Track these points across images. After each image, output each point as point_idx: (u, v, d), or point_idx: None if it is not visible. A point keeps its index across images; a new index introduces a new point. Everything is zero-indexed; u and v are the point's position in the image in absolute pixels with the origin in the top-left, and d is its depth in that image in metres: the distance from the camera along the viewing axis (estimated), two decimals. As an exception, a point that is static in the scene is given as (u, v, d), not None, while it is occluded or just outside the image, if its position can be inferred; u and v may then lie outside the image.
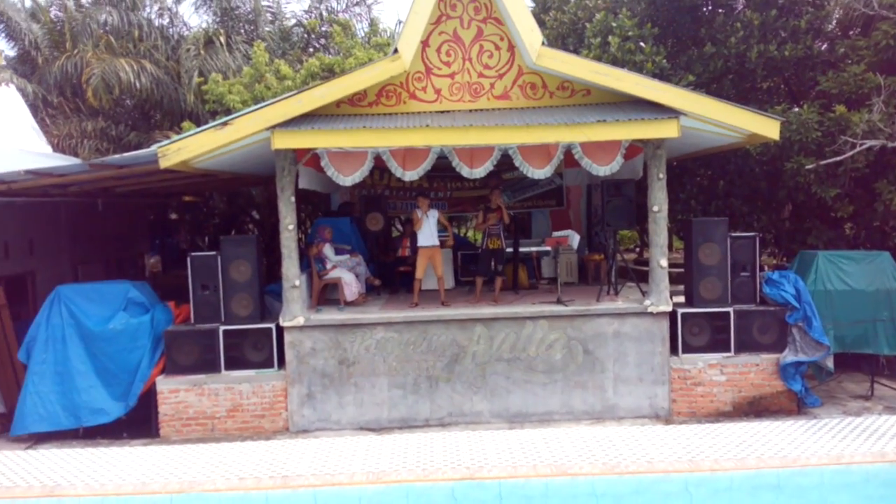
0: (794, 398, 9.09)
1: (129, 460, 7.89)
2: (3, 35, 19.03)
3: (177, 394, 8.93)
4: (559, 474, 7.02)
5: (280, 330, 9.06)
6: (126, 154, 9.49)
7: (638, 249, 22.72)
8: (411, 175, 8.89)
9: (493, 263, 10.04)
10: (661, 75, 11.77)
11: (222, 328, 9.10)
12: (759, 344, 9.20)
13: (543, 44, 8.96)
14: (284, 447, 8.22)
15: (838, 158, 10.37)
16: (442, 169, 10.38)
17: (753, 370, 9.12)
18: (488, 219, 10.05)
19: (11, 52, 19.33)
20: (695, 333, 9.24)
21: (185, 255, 9.54)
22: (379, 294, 11.12)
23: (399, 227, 18.37)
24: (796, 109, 11.16)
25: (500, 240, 10.08)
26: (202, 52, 17.52)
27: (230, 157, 9.39)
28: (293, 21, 20.23)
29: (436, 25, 9.29)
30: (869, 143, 10.08)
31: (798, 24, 11.87)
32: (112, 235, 15.77)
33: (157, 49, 18.24)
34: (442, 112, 9.37)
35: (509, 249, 11.41)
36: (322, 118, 9.01)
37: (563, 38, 15.12)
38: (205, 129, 8.62)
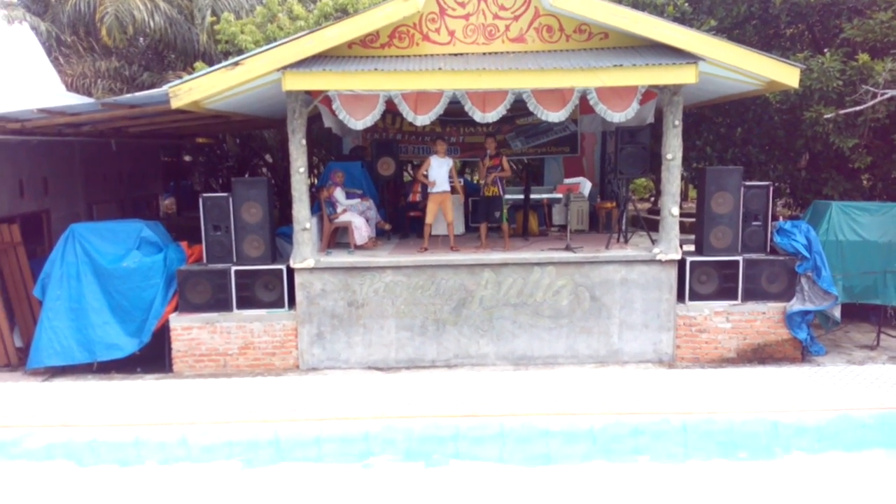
0: (799, 346, 9.13)
1: (143, 393, 8.13)
2: (15, -28, 18.82)
3: (189, 331, 9.11)
4: (558, 413, 7.15)
5: (291, 271, 9.18)
6: (138, 94, 9.47)
7: (652, 199, 22.57)
8: (423, 119, 8.84)
9: (489, 211, 10.05)
10: (682, 19, 11.50)
11: (234, 268, 9.21)
12: (767, 293, 9.19)
13: (560, -16, 8.76)
14: (294, 383, 8.42)
15: (858, 108, 10.13)
16: (455, 114, 10.32)
17: (759, 318, 9.14)
18: (486, 166, 10.08)
19: (24, -10, 19.16)
20: (702, 281, 9.24)
21: (199, 197, 9.61)
22: (389, 238, 11.19)
23: (411, 171, 18.32)
24: (819, 58, 10.87)
25: (497, 187, 10.06)
26: (216, -11, 17.27)
27: (242, 99, 9.37)
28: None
29: (450, -36, 9.10)
30: (891, 92, 9.81)
31: (825, -32, 11.49)
32: (127, 176, 15.91)
33: (170, -13, 17.99)
34: (455, 55, 9.23)
35: (517, 196, 11.40)
36: (334, 60, 8.92)
37: (583, -21, 14.74)
38: (216, 70, 8.57)
